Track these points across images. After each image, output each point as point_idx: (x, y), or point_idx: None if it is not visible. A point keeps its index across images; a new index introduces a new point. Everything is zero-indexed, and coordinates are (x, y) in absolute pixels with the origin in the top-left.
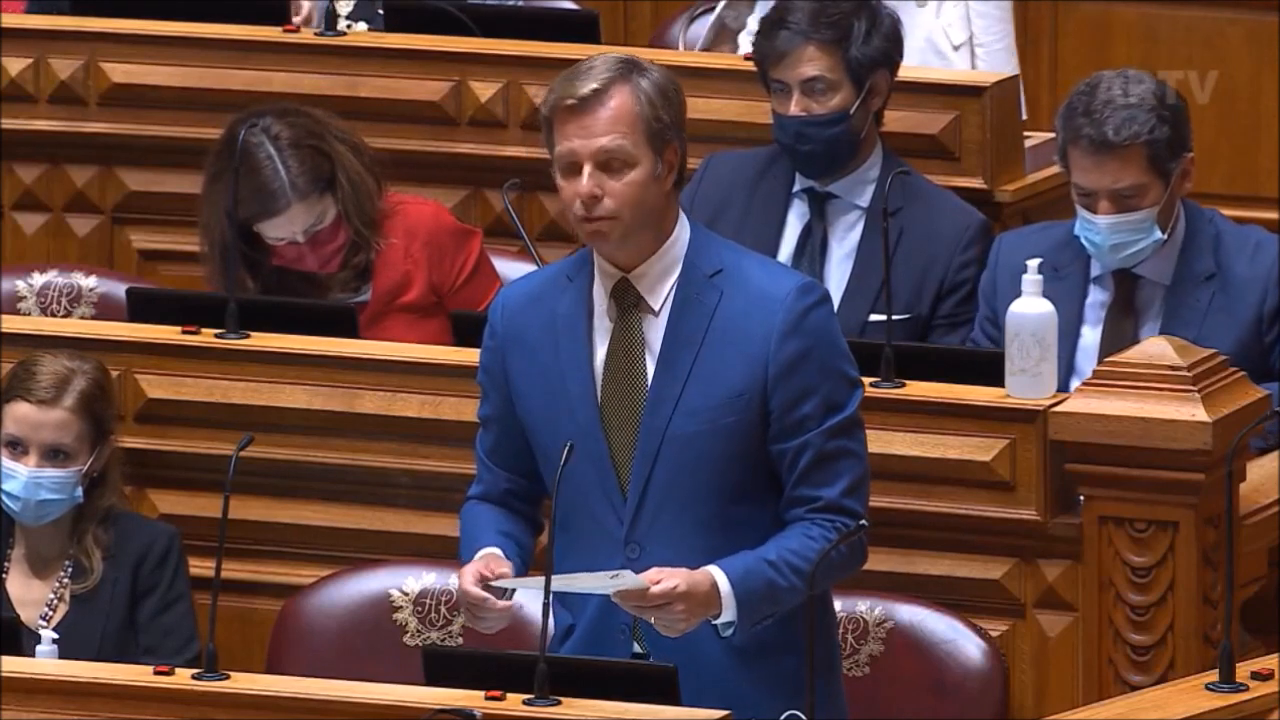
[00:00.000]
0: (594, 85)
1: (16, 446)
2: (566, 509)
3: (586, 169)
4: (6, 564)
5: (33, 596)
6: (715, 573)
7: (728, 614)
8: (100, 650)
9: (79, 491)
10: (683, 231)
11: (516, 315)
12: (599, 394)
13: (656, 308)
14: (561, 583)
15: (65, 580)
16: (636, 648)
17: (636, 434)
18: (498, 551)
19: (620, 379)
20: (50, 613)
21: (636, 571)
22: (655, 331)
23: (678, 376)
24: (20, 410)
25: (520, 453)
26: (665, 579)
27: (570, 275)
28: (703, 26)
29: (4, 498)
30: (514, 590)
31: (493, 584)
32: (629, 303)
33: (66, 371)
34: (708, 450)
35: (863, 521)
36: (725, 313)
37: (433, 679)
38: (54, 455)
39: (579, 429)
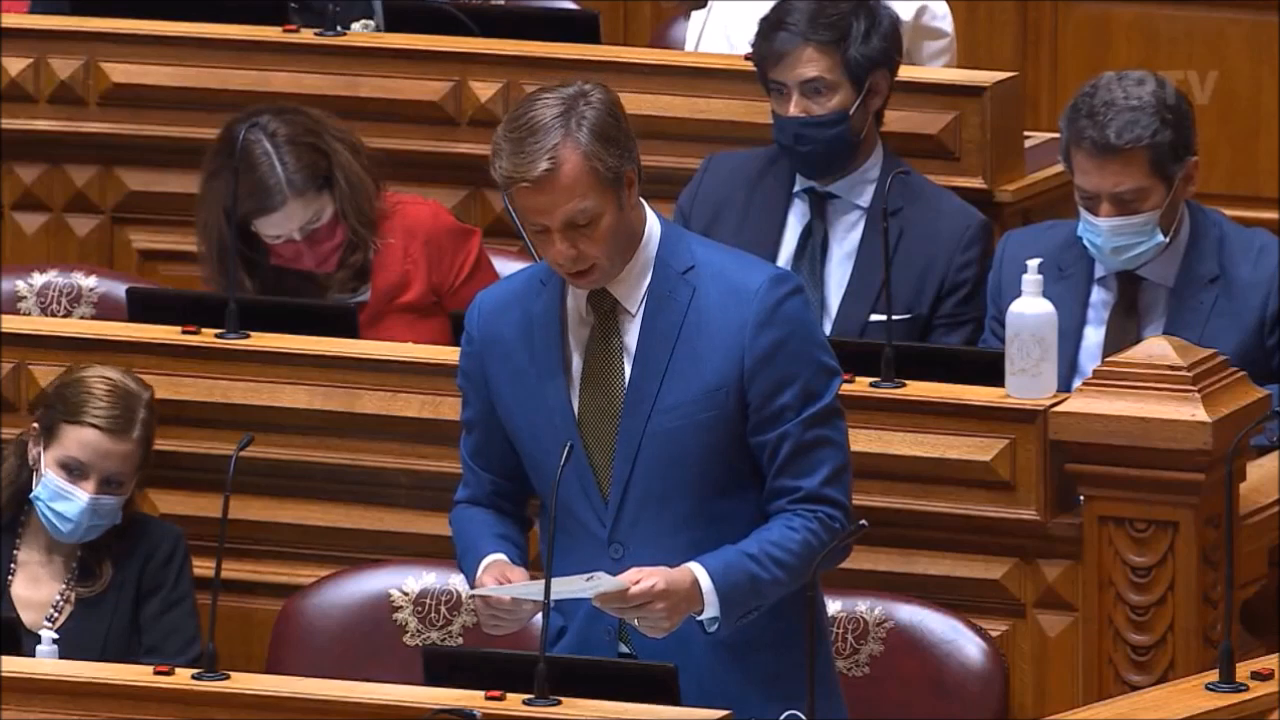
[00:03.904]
0: (545, 165)
1: (75, 470)
2: (556, 510)
3: (557, 235)
4: (13, 565)
5: (39, 599)
6: (695, 569)
7: (711, 610)
8: (104, 650)
9: (120, 514)
10: (653, 230)
11: (492, 320)
12: (576, 398)
13: (632, 309)
14: (539, 588)
15: (72, 583)
16: (623, 648)
17: (615, 435)
18: (504, 557)
19: (598, 382)
20: (56, 614)
21: (621, 570)
22: (631, 332)
23: (655, 375)
24: (88, 437)
25: (504, 454)
26: (644, 578)
27: (544, 279)
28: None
29: (52, 515)
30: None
31: (481, 593)
32: (605, 307)
33: (129, 397)
34: (687, 446)
35: (863, 522)
36: (699, 308)
37: (433, 679)
38: (112, 483)
39: (557, 434)
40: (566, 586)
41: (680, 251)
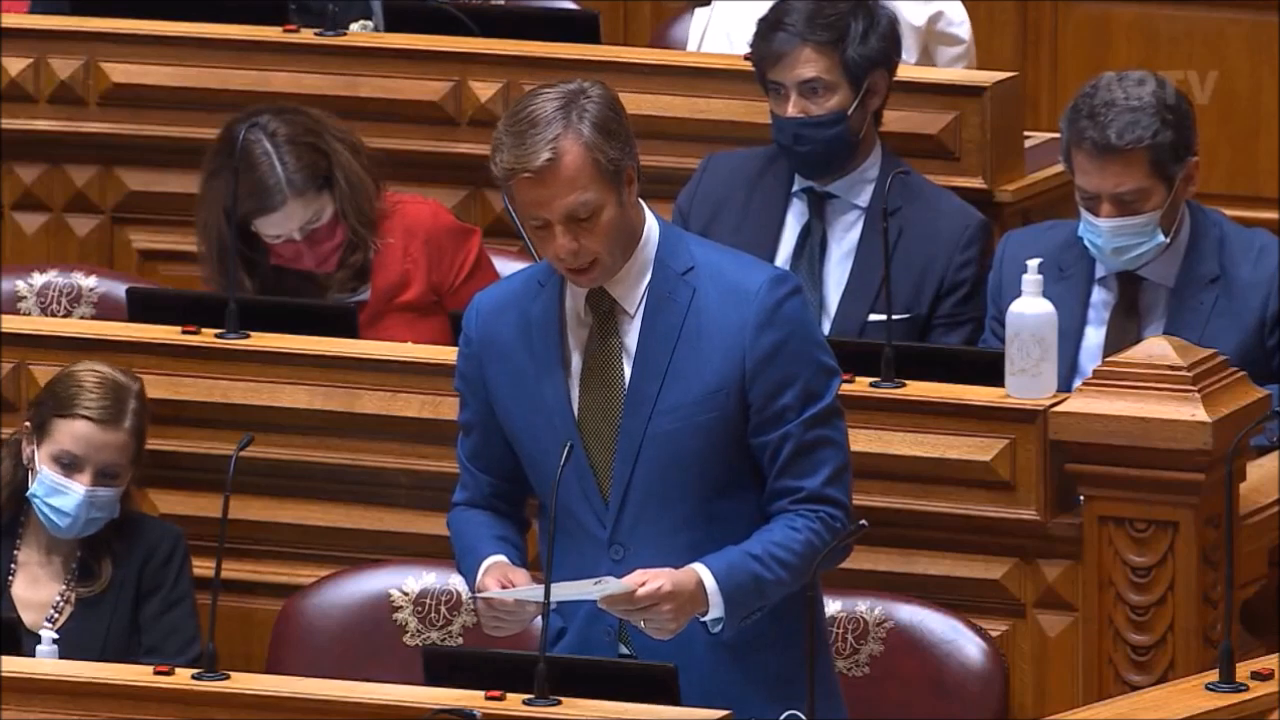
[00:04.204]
0: (546, 155)
1: (69, 464)
2: (556, 512)
3: (558, 229)
4: (13, 566)
5: (39, 599)
6: (700, 570)
7: (715, 610)
8: (104, 650)
9: (118, 507)
10: (652, 230)
11: (490, 321)
12: (576, 400)
13: (631, 310)
14: (542, 591)
15: (72, 583)
16: (623, 649)
17: (615, 437)
18: (504, 559)
19: (597, 383)
20: (56, 615)
21: (622, 572)
22: (631, 333)
23: (655, 376)
24: (80, 429)
25: (502, 456)
26: (650, 580)
27: (542, 280)
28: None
29: (49, 511)
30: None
31: (485, 595)
32: (604, 308)
33: (119, 389)
34: (688, 448)
35: (863, 522)
36: (699, 309)
37: (433, 679)
38: (107, 475)
39: (556, 435)
40: (573, 590)
41: (679, 252)
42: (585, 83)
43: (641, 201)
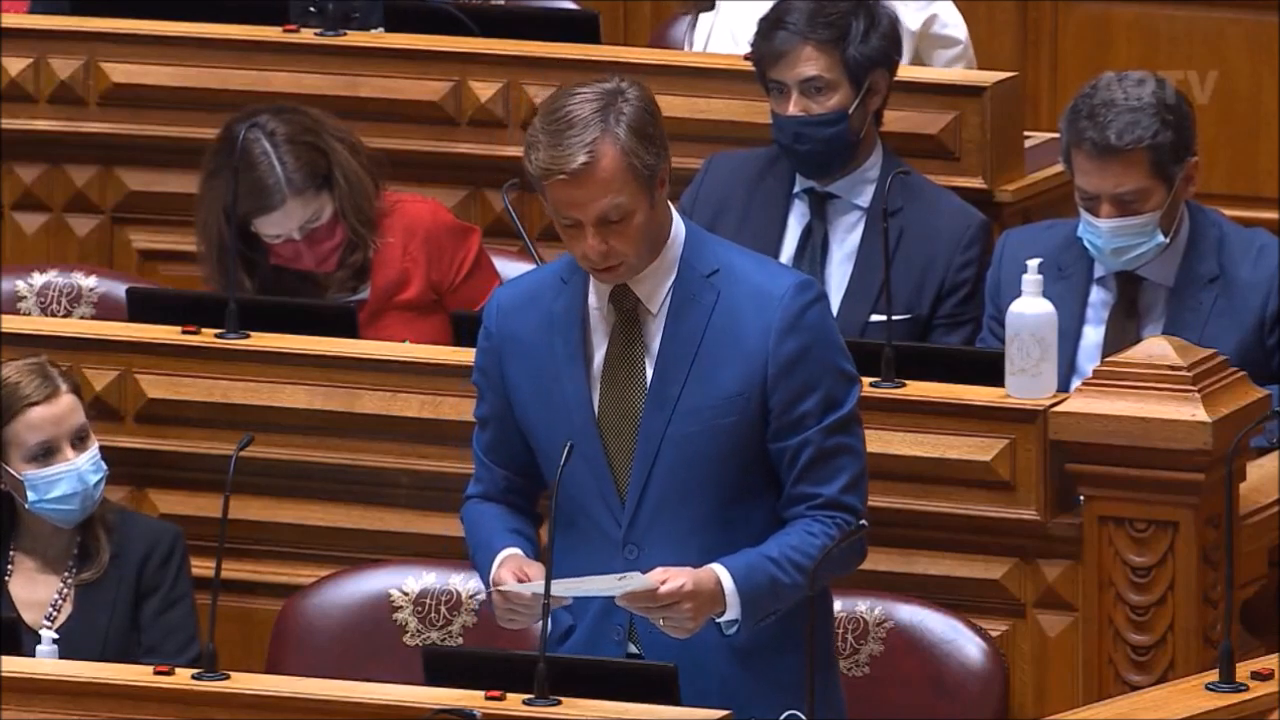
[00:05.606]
0: (583, 159)
1: (46, 453)
2: (565, 509)
3: (589, 229)
4: (10, 566)
5: (38, 598)
6: (719, 570)
7: (732, 612)
8: (104, 648)
9: (104, 467)
10: (678, 231)
11: (511, 316)
12: (596, 397)
13: (654, 309)
14: (568, 586)
15: (69, 579)
16: (632, 648)
17: (635, 436)
18: (519, 552)
19: (618, 382)
20: (55, 613)
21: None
22: (653, 333)
23: (676, 377)
24: (33, 417)
25: (518, 451)
26: (671, 578)
27: (565, 277)
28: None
29: (56, 504)
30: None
31: (504, 589)
32: (627, 306)
33: (35, 365)
34: (707, 450)
35: (863, 522)
36: (723, 312)
37: (433, 679)
38: (81, 439)
39: (575, 432)
40: (595, 585)
41: (704, 254)
42: (623, 83)
43: (668, 202)
